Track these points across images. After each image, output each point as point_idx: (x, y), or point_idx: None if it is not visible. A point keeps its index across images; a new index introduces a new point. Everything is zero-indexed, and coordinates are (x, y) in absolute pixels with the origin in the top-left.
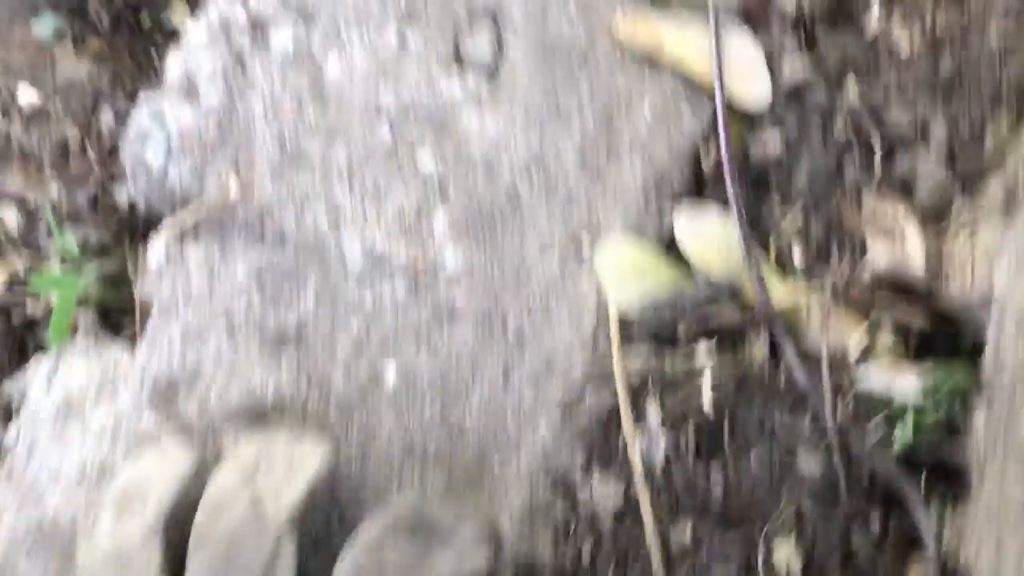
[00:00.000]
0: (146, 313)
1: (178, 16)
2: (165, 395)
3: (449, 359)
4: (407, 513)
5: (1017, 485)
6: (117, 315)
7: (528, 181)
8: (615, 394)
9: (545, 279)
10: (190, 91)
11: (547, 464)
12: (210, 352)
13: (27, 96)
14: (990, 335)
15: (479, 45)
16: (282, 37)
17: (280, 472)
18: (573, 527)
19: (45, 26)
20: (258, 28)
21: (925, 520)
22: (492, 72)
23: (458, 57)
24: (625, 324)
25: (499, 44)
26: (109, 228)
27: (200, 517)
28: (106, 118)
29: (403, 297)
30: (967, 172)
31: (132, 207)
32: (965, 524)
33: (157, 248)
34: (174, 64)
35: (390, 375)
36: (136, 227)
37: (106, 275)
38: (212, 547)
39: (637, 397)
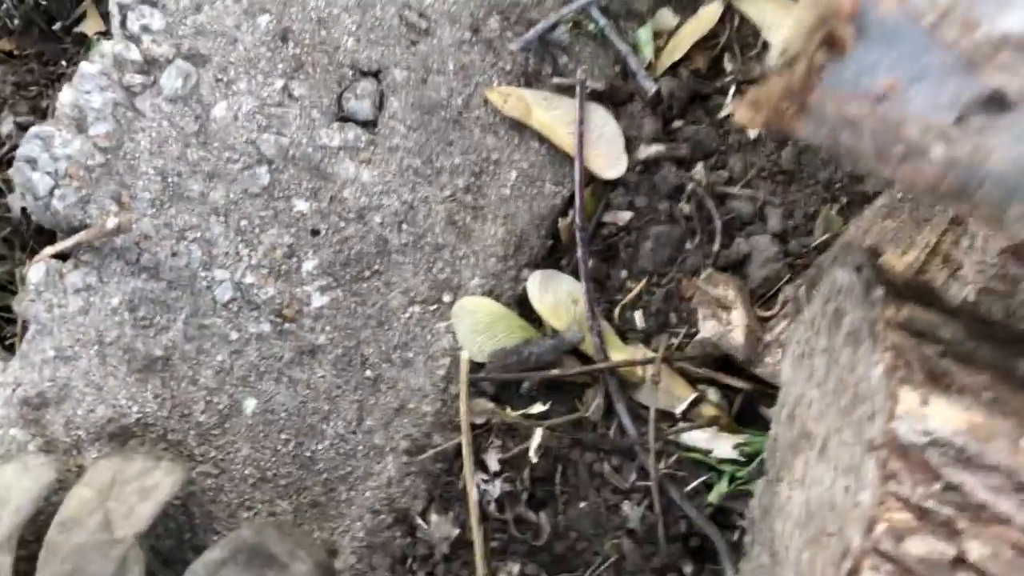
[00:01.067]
0: (25, 328)
1: (91, 26)
2: (34, 409)
3: (307, 395)
4: (248, 541)
5: (764, 555)
6: (3, 323)
7: (397, 232)
8: (460, 438)
9: (405, 326)
10: (80, 122)
11: (390, 500)
12: (80, 371)
13: None
14: (774, 415)
15: (361, 101)
16: (173, 78)
17: (133, 493)
18: (410, 561)
19: None
20: (150, 67)
21: (731, 571)
22: (371, 127)
23: (340, 110)
24: (475, 374)
25: (380, 101)
26: (1, 235)
27: (52, 531)
28: (6, 126)
29: (268, 332)
30: (797, 256)
31: (25, 214)
32: None
33: (37, 269)
34: (67, 94)
35: (249, 406)
36: (29, 236)
37: None
38: (61, 561)
39: (479, 442)
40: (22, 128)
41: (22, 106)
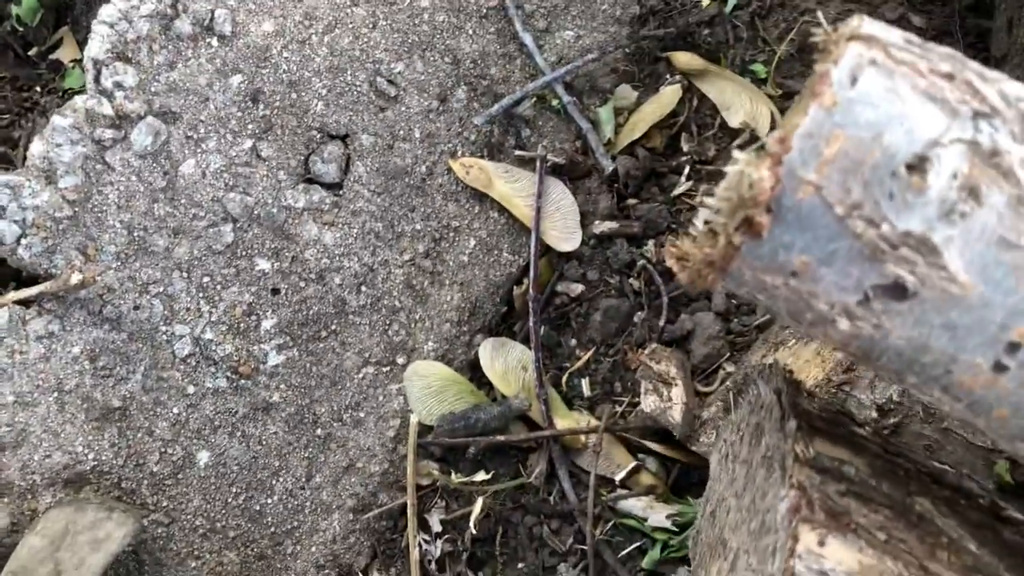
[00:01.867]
0: None
1: (67, 54)
2: None
3: (259, 450)
4: None
5: None
6: None
7: (356, 294)
8: (405, 499)
9: (358, 386)
10: (49, 174)
11: (335, 555)
12: (39, 417)
13: None
14: (700, 507)
15: (327, 164)
16: (143, 134)
17: (85, 544)
18: None
19: None
20: (122, 123)
21: None
22: (336, 189)
23: (307, 172)
24: (423, 437)
25: (346, 165)
26: None
27: None
28: None
29: (224, 388)
30: (739, 334)
31: None
32: None
33: (2, 314)
34: (37, 146)
35: (202, 459)
36: None
37: None
38: None
39: (424, 503)
40: None
41: None
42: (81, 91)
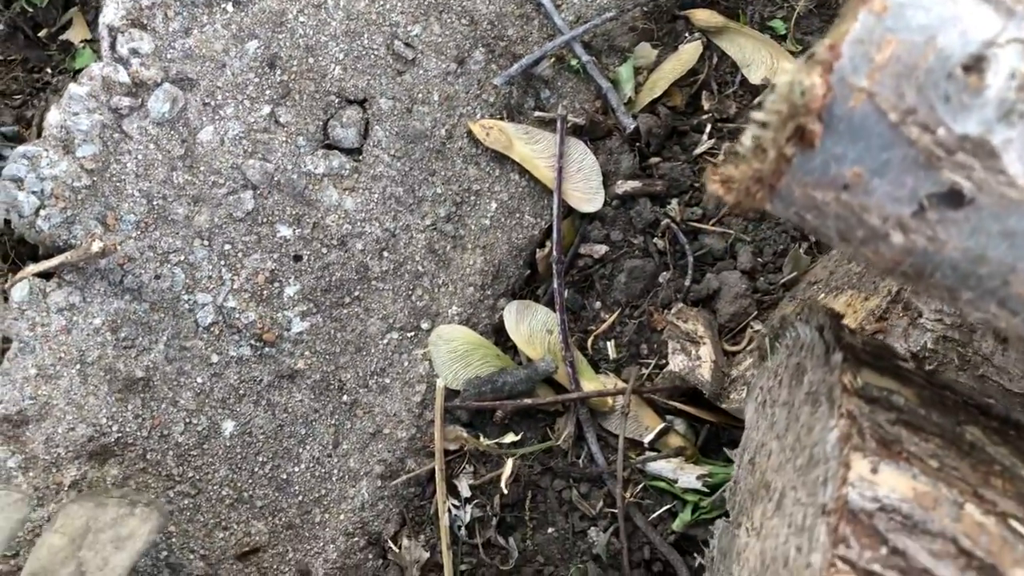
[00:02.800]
0: (6, 345)
1: (77, 34)
2: (14, 426)
3: (285, 418)
4: None
5: None
6: None
7: (378, 259)
8: (433, 464)
9: (383, 352)
10: (67, 143)
11: (363, 523)
12: (62, 390)
13: None
14: (736, 457)
15: (346, 129)
16: (160, 102)
17: (108, 543)
18: None
19: None
20: (138, 91)
21: None
22: (356, 155)
23: (325, 138)
24: (450, 401)
25: (365, 130)
26: None
27: None
28: None
29: (248, 356)
30: (765, 293)
31: (8, 225)
32: None
33: (20, 287)
34: (54, 115)
35: (228, 428)
36: (12, 246)
37: None
38: None
39: (452, 468)
40: (6, 138)
41: (7, 116)
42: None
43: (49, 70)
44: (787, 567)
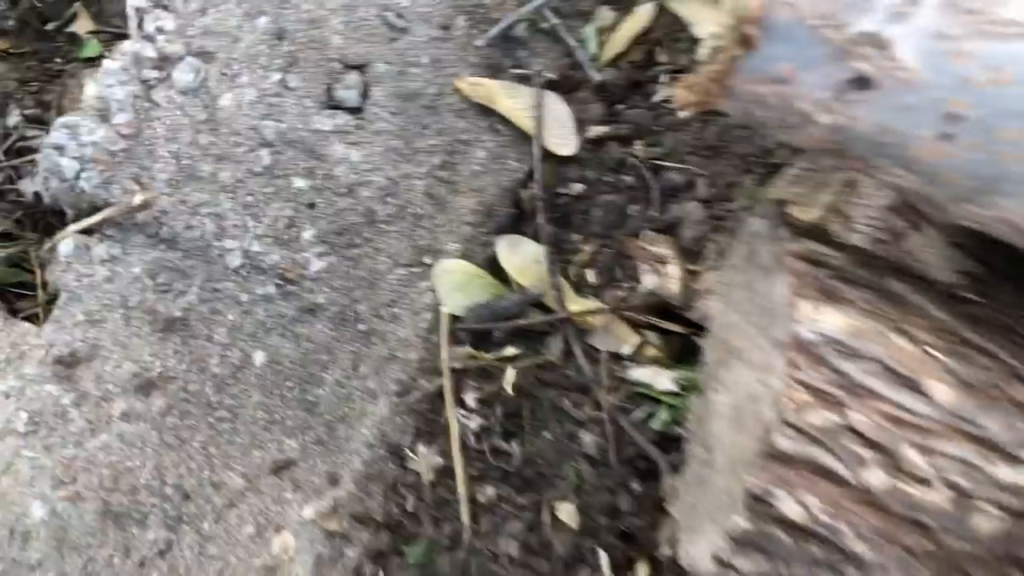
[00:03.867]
0: (50, 296)
1: (82, 26)
2: (67, 367)
3: (309, 347)
4: None
5: (699, 450)
6: (15, 297)
7: (383, 204)
8: (442, 381)
9: (392, 286)
10: (104, 113)
11: (384, 435)
12: (108, 332)
13: None
14: (706, 345)
15: (349, 91)
16: (184, 73)
17: None
18: (401, 487)
19: None
20: (164, 64)
21: (670, 486)
22: (358, 113)
23: (330, 99)
24: (453, 326)
25: (365, 91)
26: (14, 217)
27: None
28: (12, 119)
29: (273, 294)
30: (720, 219)
31: (38, 198)
32: (677, 486)
33: (66, 243)
34: (90, 87)
35: (259, 359)
36: (39, 217)
37: (10, 258)
38: None
39: (459, 384)
40: (28, 120)
41: (28, 100)
42: (94, 60)
43: (59, 59)
44: (754, 401)
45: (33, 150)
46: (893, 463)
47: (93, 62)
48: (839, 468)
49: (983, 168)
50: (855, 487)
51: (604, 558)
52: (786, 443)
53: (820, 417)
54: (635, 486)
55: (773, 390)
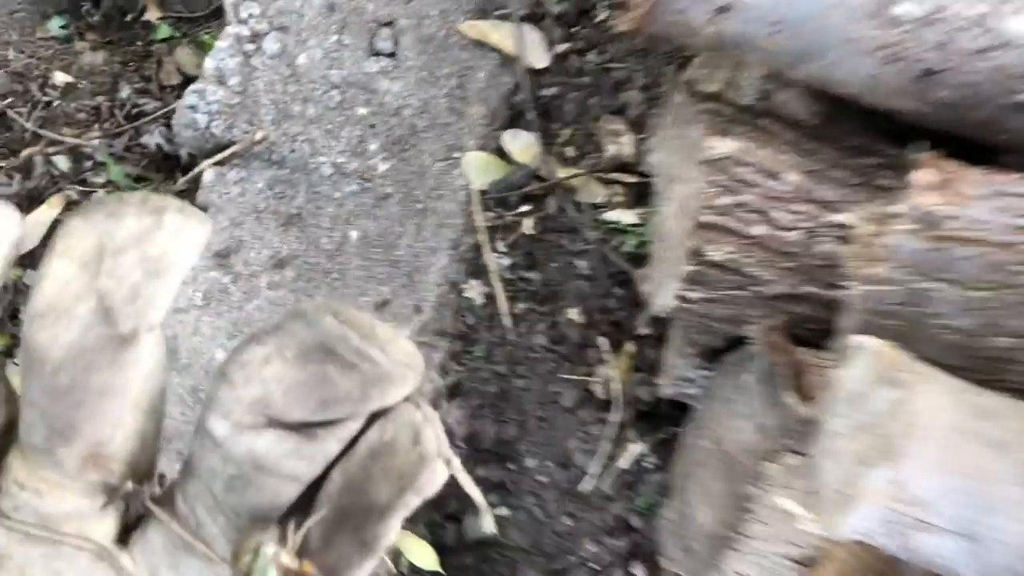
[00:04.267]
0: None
1: (153, 14)
2: (222, 257)
3: (387, 224)
4: (298, 334)
5: (659, 253)
6: None
7: (420, 118)
8: (479, 236)
9: (436, 176)
10: (221, 78)
11: (446, 276)
12: (247, 230)
13: (60, 78)
14: (656, 186)
15: (385, 41)
16: (271, 43)
17: (133, 267)
18: (462, 309)
19: (57, 25)
20: (256, 38)
21: (641, 275)
22: (393, 56)
23: (373, 49)
24: (482, 197)
25: (396, 40)
26: (142, 164)
27: (31, 327)
28: (124, 92)
29: (356, 190)
30: (655, 100)
31: (159, 148)
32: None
33: (208, 174)
34: (209, 62)
35: (354, 235)
36: (160, 164)
37: None
38: (51, 372)
39: (491, 236)
40: (137, 91)
41: (133, 77)
42: (167, 40)
43: (139, 43)
44: (689, 200)
45: (146, 114)
46: (769, 221)
47: (166, 42)
48: (740, 227)
49: (791, 44)
50: (750, 237)
51: (603, 341)
52: (707, 217)
53: (725, 200)
54: (618, 291)
55: (698, 190)
